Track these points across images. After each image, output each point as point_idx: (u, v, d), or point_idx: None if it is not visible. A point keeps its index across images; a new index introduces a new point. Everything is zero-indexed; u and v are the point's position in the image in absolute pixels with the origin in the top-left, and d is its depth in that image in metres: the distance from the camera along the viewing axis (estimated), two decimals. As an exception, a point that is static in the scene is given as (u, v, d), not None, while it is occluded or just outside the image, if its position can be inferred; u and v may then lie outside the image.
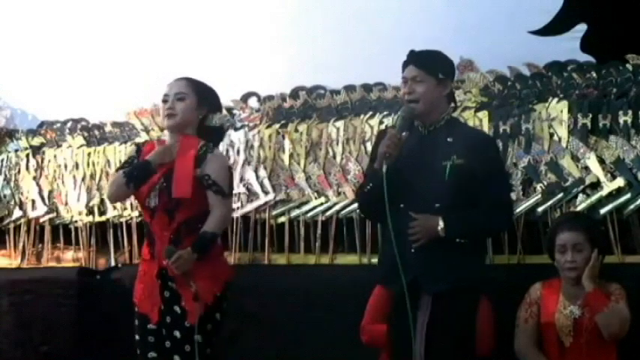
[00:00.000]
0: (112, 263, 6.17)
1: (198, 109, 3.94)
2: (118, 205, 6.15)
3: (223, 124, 4.07)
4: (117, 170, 4.03)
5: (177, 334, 3.76)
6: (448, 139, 3.63)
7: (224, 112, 4.27)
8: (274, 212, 5.66)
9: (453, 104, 3.82)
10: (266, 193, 5.69)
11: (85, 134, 6.59)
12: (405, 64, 3.71)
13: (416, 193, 3.60)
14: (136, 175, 3.83)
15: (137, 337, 3.87)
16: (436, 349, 3.55)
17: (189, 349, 3.72)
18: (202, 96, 3.95)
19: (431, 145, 3.64)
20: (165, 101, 3.93)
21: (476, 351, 3.75)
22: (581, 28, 5.66)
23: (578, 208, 4.73)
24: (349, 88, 5.75)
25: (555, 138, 4.94)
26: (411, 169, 3.61)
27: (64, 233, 6.49)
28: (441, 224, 3.56)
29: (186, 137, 3.91)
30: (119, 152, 6.29)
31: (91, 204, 6.32)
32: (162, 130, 5.95)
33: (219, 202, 3.84)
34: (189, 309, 3.74)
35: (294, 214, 5.60)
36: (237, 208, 5.60)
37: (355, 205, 5.36)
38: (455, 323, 3.54)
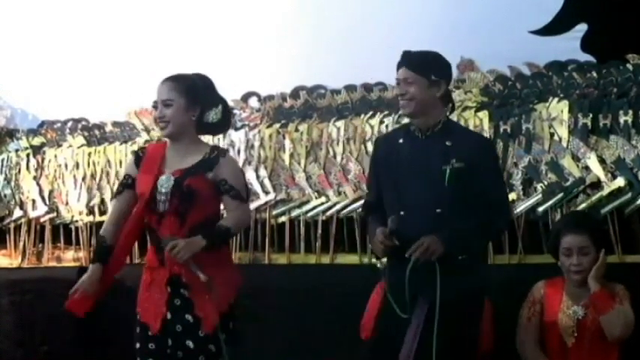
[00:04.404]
0: (113, 263, 6.16)
1: (190, 111, 3.73)
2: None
3: (220, 118, 3.83)
4: (114, 196, 3.96)
5: (190, 344, 3.62)
6: (447, 143, 3.58)
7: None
8: (275, 212, 5.66)
9: (450, 105, 3.76)
10: (266, 192, 5.69)
11: (86, 134, 6.59)
12: (398, 66, 3.67)
13: (415, 200, 3.56)
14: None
15: (137, 344, 3.72)
16: (428, 353, 3.52)
17: (203, 359, 3.62)
18: (191, 95, 3.73)
19: (429, 149, 3.59)
20: (155, 107, 3.76)
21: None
22: (581, 28, 5.67)
23: (579, 208, 4.73)
24: (350, 88, 5.75)
25: (556, 138, 4.93)
26: (410, 174, 3.57)
27: (64, 233, 6.50)
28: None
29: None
30: (120, 152, 6.30)
31: (91, 204, 6.32)
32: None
33: (237, 206, 3.73)
34: (205, 316, 3.62)
35: (294, 213, 5.60)
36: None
37: (355, 205, 5.36)
38: (450, 331, 3.51)
